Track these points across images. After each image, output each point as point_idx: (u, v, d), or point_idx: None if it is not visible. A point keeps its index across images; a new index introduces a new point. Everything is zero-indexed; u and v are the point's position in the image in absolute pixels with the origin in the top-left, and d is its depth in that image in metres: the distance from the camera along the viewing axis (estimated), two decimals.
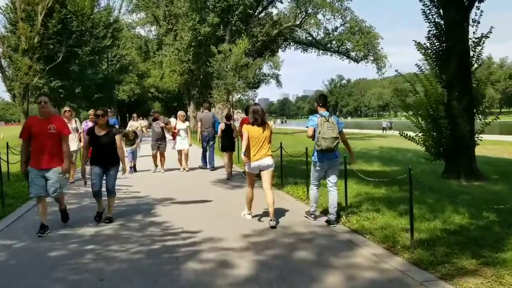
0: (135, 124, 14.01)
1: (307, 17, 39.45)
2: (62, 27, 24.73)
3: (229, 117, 12.21)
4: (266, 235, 5.85)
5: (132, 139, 12.77)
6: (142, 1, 46.84)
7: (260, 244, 5.42)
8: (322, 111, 6.40)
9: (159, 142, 12.71)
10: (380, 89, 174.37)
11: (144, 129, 14.50)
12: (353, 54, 41.91)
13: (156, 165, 12.96)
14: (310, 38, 42.60)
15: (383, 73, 41.26)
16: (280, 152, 10.00)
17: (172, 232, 6.07)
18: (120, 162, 6.91)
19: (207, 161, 13.31)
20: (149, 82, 61.72)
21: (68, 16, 25.26)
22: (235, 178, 11.37)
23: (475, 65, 10.44)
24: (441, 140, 10.40)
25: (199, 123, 13.13)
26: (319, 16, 39.55)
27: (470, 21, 10.26)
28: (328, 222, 6.31)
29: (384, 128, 49.32)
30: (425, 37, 10.68)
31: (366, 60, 41.55)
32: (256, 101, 57.74)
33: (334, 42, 41.48)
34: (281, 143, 10.38)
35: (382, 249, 5.19)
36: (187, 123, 13.33)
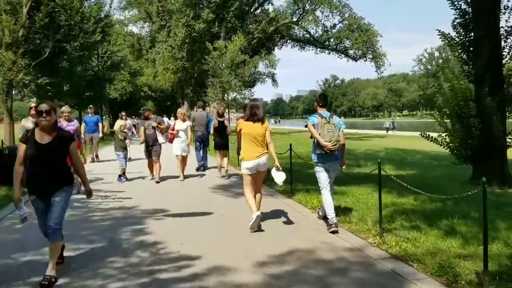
0: (122, 124, 11.75)
1: (304, 13, 38.31)
2: (49, 20, 23.30)
3: (221, 114, 11.82)
4: (287, 263, 4.60)
5: (122, 139, 10.94)
6: None
7: (282, 278, 4.19)
8: (322, 111, 6.04)
9: (151, 147, 10.62)
10: (374, 89, 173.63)
11: (129, 129, 12.86)
12: (351, 52, 40.85)
13: (152, 174, 10.89)
14: (307, 35, 41.43)
15: (382, 72, 40.20)
16: (290, 154, 8.81)
17: (165, 259, 4.83)
18: (76, 184, 5.41)
19: (201, 160, 12.73)
20: (142, 81, 60.36)
21: (56, 9, 23.87)
22: (236, 183, 10.13)
23: (507, 57, 9.25)
24: (469, 141, 9.22)
25: (191, 123, 12.19)
26: (317, 12, 38.42)
27: (502, 7, 9.13)
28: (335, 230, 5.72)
29: (387, 129, 48.04)
30: (451, 25, 9.54)
31: (364, 59, 40.52)
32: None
33: (332, 40, 40.36)
34: (290, 145, 9.19)
35: (441, 285, 3.99)
36: (187, 122, 11.22)
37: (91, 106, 15.97)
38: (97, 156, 15.50)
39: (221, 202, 8.07)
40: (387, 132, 46.49)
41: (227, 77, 33.54)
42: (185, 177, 10.93)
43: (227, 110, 42.28)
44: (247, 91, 40.91)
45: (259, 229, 5.86)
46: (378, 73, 40.41)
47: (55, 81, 25.36)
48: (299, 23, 39.43)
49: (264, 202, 6.43)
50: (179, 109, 11.91)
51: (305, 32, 41.19)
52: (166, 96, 68.54)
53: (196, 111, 13.82)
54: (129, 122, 14.21)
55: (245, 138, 5.98)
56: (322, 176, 6.04)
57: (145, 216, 6.87)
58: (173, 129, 10.86)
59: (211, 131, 11.50)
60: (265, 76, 46.75)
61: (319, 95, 6.37)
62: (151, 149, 10.60)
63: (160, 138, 10.57)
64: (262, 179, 6.35)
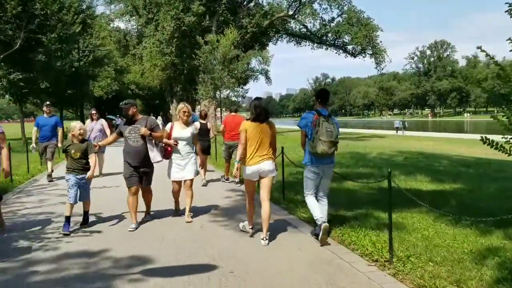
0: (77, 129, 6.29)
1: (301, 6, 36.10)
2: (22, 9, 20.87)
3: (204, 115, 11.02)
4: None
5: (78, 158, 6.14)
6: None
7: None
8: (321, 108, 5.47)
9: (141, 169, 6.33)
10: (365, 87, 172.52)
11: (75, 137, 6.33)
12: (350, 47, 38.75)
13: (134, 219, 6.28)
14: (304, 30, 39.22)
15: (382, 69, 38.21)
16: (282, 159, 6.74)
17: None
18: None
19: None
20: (129, 78, 57.88)
21: None
22: (237, 206, 7.92)
23: None
24: None
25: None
26: (315, 5, 36.26)
27: None
28: (327, 230, 5.24)
29: (397, 128, 45.74)
30: None
31: (363, 54, 38.44)
32: (244, 98, 54.41)
33: (330, 35, 38.21)
34: (283, 148, 6.97)
35: None
36: (193, 127, 6.94)
37: (47, 103, 11.38)
38: (49, 176, 10.82)
39: (226, 241, 5.79)
40: (397, 132, 44.45)
41: (219, 73, 31.29)
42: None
43: (218, 109, 40.18)
44: (240, 89, 38.80)
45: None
46: (379, 70, 38.46)
47: (29, 77, 22.87)
48: (296, 16, 37.22)
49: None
50: (180, 105, 6.89)
51: (301, 26, 39.01)
52: (154, 94, 66.27)
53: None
54: (94, 124, 11.46)
55: (249, 141, 5.42)
56: (311, 182, 5.50)
57: (115, 275, 4.59)
58: (169, 137, 6.68)
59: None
60: (258, 73, 44.57)
61: (320, 90, 5.74)
62: (141, 172, 6.34)
63: (154, 154, 6.35)
64: (270, 187, 5.58)
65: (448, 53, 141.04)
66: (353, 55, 38.48)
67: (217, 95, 34.22)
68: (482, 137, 7.79)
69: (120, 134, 6.48)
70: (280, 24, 39.15)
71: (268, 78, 44.57)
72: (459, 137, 38.51)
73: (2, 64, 21.61)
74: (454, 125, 76.01)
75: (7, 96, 24.81)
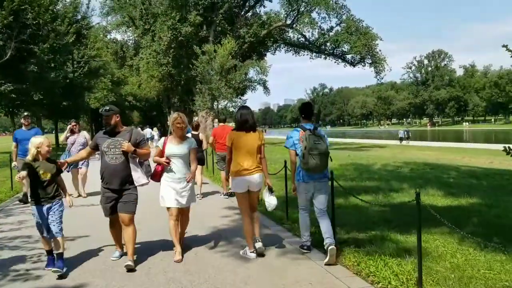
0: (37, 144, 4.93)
1: (299, 15, 35.61)
2: (14, 19, 20.26)
3: (197, 126, 10.55)
4: None
5: (47, 183, 4.81)
6: (117, 2, 42.55)
7: None
8: (305, 123, 5.37)
9: (117, 195, 5.14)
10: (363, 97, 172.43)
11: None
12: (349, 57, 38.21)
13: (118, 247, 5.50)
14: (302, 39, 38.68)
15: (382, 78, 37.55)
16: (285, 173, 5.94)
17: None
18: None
19: None
20: (126, 90, 57.32)
21: (23, 6, 20.82)
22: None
23: None
24: None
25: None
26: (313, 14, 35.76)
27: None
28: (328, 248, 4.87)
29: (401, 138, 44.73)
30: None
31: (362, 64, 37.87)
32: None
33: (328, 44, 37.66)
34: (285, 162, 6.30)
35: None
36: (190, 140, 5.64)
37: (26, 114, 10.15)
38: (25, 195, 9.12)
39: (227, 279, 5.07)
40: (401, 142, 43.50)
41: (217, 83, 30.68)
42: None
43: (216, 120, 39.34)
44: (238, 99, 38.20)
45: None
46: (378, 79, 37.77)
47: (21, 88, 22.19)
48: (294, 25, 36.68)
49: None
50: (174, 115, 5.61)
51: (300, 36, 38.47)
52: (151, 105, 65.64)
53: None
54: (76, 137, 10.23)
55: (235, 151, 5.26)
56: (303, 197, 5.36)
57: None
58: (162, 155, 5.46)
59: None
60: (256, 84, 43.99)
61: (302, 104, 5.68)
62: (120, 198, 5.11)
63: (139, 176, 5.14)
64: (256, 201, 5.53)
65: (445, 62, 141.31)
66: (352, 64, 37.92)
67: (214, 105, 33.58)
68: (505, 147, 7.15)
69: (96, 148, 5.28)
70: (278, 34, 38.62)
71: (266, 88, 43.95)
72: (460, 146, 37.92)
73: None
74: (453, 134, 75.53)
75: None
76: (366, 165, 16.27)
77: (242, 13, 37.84)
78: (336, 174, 13.45)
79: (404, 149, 34.94)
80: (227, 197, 9.57)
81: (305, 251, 5.36)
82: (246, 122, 5.27)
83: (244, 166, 5.20)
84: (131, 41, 52.14)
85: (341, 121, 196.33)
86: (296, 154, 5.28)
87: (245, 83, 39.08)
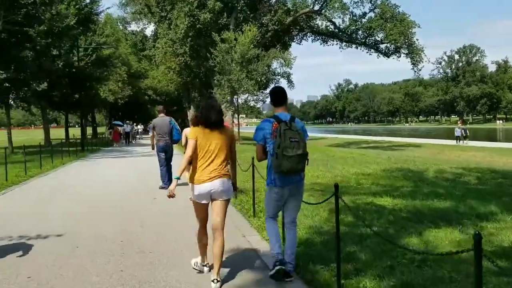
0: None
1: (328, 0, 32.35)
2: None
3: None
4: None
5: None
6: None
7: None
8: (279, 112, 4.39)
9: None
10: (390, 93, 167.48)
11: None
12: (382, 46, 34.80)
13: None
14: (331, 27, 35.40)
15: (420, 69, 34.03)
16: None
17: None
18: None
19: (164, 178, 10.77)
20: (146, 84, 55.14)
21: None
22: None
23: None
24: None
25: (151, 132, 11.26)
26: None
27: None
28: (283, 273, 4.14)
29: (457, 138, 38.51)
30: None
31: (397, 54, 34.46)
32: (264, 104, 50.79)
33: (360, 32, 34.32)
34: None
35: None
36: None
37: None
38: None
39: None
40: (457, 142, 37.70)
41: (237, 74, 27.81)
42: None
43: (236, 116, 36.64)
44: (260, 93, 35.34)
45: None
46: (415, 71, 34.16)
47: (16, 77, 19.69)
48: (322, 11, 33.46)
49: None
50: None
51: (328, 23, 35.20)
52: (172, 100, 63.42)
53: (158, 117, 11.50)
54: None
55: (198, 152, 4.26)
56: (274, 205, 4.43)
57: None
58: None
59: (183, 141, 9.46)
60: (279, 77, 40.99)
61: (271, 90, 4.65)
62: None
63: None
64: (223, 213, 4.33)
65: (477, 57, 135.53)
66: (386, 54, 34.51)
67: (234, 100, 30.77)
68: None
69: None
70: (304, 21, 35.47)
71: (290, 81, 41.01)
72: (505, 147, 34.06)
73: None
74: (487, 133, 70.94)
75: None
76: (416, 171, 13.13)
77: None
78: (384, 184, 10.46)
79: (443, 149, 31.48)
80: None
81: (277, 267, 4.20)
82: (209, 118, 4.34)
83: (207, 170, 4.30)
84: (150, 33, 50.07)
85: (366, 118, 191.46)
86: (265, 151, 4.34)
87: (268, 75, 36.14)
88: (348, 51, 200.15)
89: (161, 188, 10.52)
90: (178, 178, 4.27)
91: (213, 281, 4.17)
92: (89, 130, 51.15)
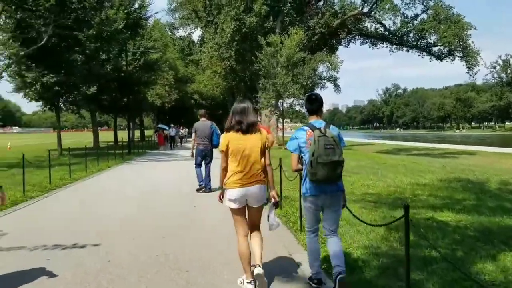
0: None
1: (378, 2, 31.28)
2: (56, 2, 18.05)
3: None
4: None
5: None
6: None
7: None
8: (313, 120, 4.23)
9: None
10: (440, 98, 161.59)
11: None
12: (435, 49, 33.25)
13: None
14: (381, 29, 34.22)
15: (476, 73, 32.26)
16: None
17: None
18: None
19: (203, 180, 10.85)
20: (193, 88, 55.81)
21: None
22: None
23: None
24: None
25: (193, 135, 11.13)
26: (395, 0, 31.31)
27: None
28: (337, 278, 3.83)
29: None
30: None
31: (451, 57, 32.81)
32: None
33: (412, 35, 32.95)
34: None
35: None
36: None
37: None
38: None
39: None
40: None
41: (283, 78, 27.32)
42: None
43: (280, 120, 36.11)
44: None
45: None
46: (471, 75, 32.42)
47: (65, 80, 20.05)
48: (372, 13, 32.40)
49: None
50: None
51: (378, 26, 34.04)
52: (217, 104, 63.81)
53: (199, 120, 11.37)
54: None
55: (231, 157, 4.14)
56: (312, 216, 4.20)
57: None
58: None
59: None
60: (325, 81, 40.10)
61: (307, 96, 4.44)
62: None
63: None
64: (259, 218, 4.28)
65: None
66: (439, 58, 32.94)
67: (279, 104, 30.28)
68: None
69: None
70: (352, 24, 34.51)
71: (336, 86, 40.07)
72: None
73: (33, 65, 18.96)
74: None
75: (41, 102, 22.04)
76: (476, 182, 12.07)
77: (313, 1, 34.18)
78: (443, 196, 9.57)
79: (500, 158, 29.57)
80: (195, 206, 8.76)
81: (315, 285, 4.17)
82: (241, 123, 4.15)
83: (241, 176, 4.12)
84: (198, 38, 50.59)
85: (415, 123, 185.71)
86: (301, 160, 4.16)
87: (313, 79, 35.38)
88: (396, 54, 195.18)
89: (198, 190, 10.69)
90: (222, 188, 4.26)
91: (254, 265, 4.04)
92: (137, 133, 52.22)
